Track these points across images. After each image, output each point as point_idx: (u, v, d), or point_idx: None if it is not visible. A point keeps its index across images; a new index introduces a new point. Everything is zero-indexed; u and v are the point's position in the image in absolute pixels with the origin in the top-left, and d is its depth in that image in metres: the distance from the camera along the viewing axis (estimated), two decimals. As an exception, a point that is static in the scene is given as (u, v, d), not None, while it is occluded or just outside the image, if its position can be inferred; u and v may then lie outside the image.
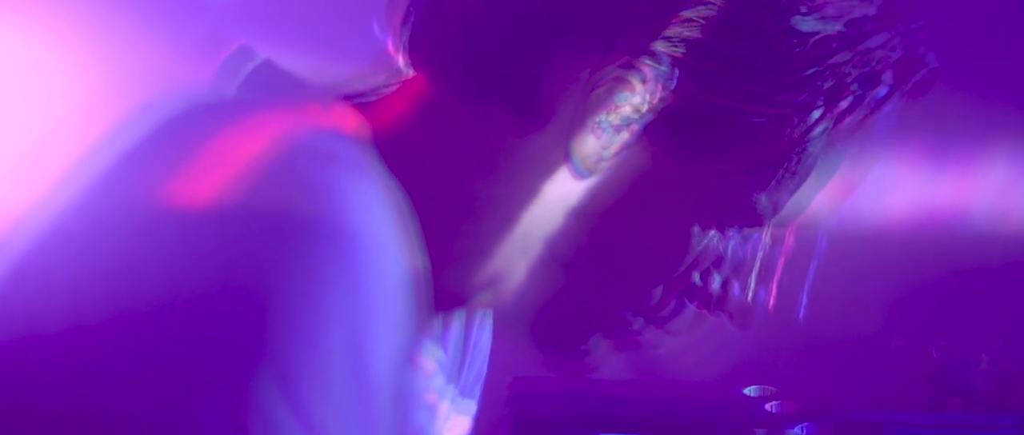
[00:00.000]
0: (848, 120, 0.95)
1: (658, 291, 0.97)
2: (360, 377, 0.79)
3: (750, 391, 2.95)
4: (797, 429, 2.92)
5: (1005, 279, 3.21)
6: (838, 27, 0.92)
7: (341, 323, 0.78)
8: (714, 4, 0.91)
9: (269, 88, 0.97)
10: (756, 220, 0.96)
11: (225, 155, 0.82)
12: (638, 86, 0.91)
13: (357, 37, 0.99)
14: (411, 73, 0.96)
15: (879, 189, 3.16)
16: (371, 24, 0.97)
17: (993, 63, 3.12)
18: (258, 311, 0.76)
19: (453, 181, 0.94)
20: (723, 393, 2.96)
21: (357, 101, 0.96)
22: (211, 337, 0.75)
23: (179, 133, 0.86)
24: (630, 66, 0.91)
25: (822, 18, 0.92)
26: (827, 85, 0.93)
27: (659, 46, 0.91)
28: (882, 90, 0.95)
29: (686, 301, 0.99)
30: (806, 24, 0.91)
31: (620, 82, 0.91)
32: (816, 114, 0.93)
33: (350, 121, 0.93)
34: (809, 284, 1.03)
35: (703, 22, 0.91)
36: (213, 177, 0.81)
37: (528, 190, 0.94)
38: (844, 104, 0.94)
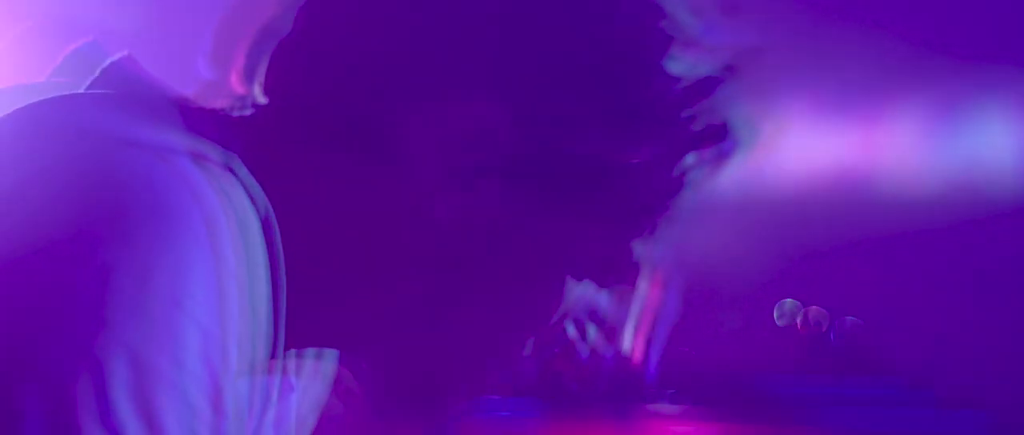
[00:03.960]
0: (713, 165, 0.94)
1: (529, 343, 0.95)
2: (215, 392, 0.77)
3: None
4: (680, 392, 2.95)
5: (881, 241, 3.25)
6: (705, 72, 0.92)
7: (199, 327, 0.76)
8: (582, 49, 0.89)
9: (121, 87, 0.92)
10: (633, 269, 0.94)
11: (76, 151, 0.79)
12: (497, 135, 0.88)
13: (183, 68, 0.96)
14: (264, 101, 0.93)
15: (768, 153, 3.17)
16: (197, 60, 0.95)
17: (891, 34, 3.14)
18: (110, 309, 0.73)
19: (315, 221, 0.90)
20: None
21: (218, 116, 0.93)
22: (54, 329, 0.72)
23: (33, 123, 0.83)
24: (489, 116, 0.89)
25: (691, 64, 0.91)
26: (698, 129, 0.92)
27: (519, 93, 0.89)
28: (731, 138, 0.94)
29: (554, 354, 0.97)
30: (677, 67, 0.90)
31: (477, 131, 0.89)
32: (689, 159, 0.92)
33: (214, 131, 0.89)
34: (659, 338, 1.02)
35: (569, 66, 0.89)
36: (65, 169, 0.78)
37: (391, 237, 0.91)
38: (712, 149, 0.93)
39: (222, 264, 0.78)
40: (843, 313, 3.06)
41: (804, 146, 3.20)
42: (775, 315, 3.07)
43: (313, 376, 1.08)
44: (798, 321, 3.06)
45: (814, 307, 3.05)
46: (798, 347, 3.07)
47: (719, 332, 3.08)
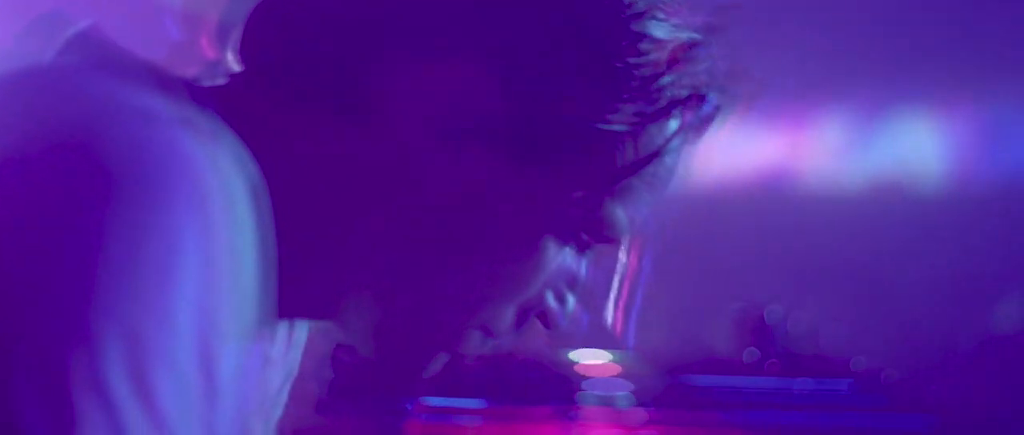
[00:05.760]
0: (696, 131, 0.93)
1: (510, 311, 0.93)
2: (207, 363, 0.75)
3: (577, 355, 2.96)
4: (624, 392, 2.94)
5: (826, 241, 3.27)
6: (689, 36, 0.91)
7: (191, 296, 0.74)
8: (565, 11, 0.88)
9: (90, 55, 0.90)
10: (613, 235, 0.92)
11: (58, 119, 0.77)
12: (474, 91, 0.87)
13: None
14: (238, 68, 0.91)
15: (700, 146, 3.17)
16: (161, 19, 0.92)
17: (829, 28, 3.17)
18: (102, 279, 0.71)
19: (293, 185, 0.89)
20: (552, 356, 2.96)
21: (194, 84, 0.91)
22: (44, 300, 0.70)
23: (8, 89, 0.81)
24: (470, 77, 0.87)
25: (675, 26, 0.90)
26: (682, 95, 0.90)
27: (501, 54, 0.87)
28: (713, 103, 0.93)
29: (534, 319, 0.95)
30: (661, 30, 0.89)
31: (459, 92, 0.87)
32: (673, 125, 0.90)
33: (193, 98, 0.87)
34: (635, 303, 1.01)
35: (551, 27, 0.87)
36: (49, 134, 0.75)
37: (371, 200, 0.89)
38: (696, 115, 0.91)
39: (213, 232, 0.76)
40: (789, 312, 3.06)
41: (745, 144, 3.21)
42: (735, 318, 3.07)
43: (288, 346, 1.07)
44: (746, 320, 3.06)
45: (764, 306, 3.06)
46: (744, 346, 3.08)
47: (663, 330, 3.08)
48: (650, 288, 3.12)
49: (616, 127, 0.89)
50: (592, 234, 0.92)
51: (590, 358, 2.97)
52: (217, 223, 0.76)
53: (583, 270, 0.95)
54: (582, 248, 0.94)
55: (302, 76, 0.89)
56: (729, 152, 3.19)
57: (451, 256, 0.90)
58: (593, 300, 0.97)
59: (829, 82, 3.20)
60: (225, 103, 0.88)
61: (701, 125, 0.93)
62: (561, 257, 0.93)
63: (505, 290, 0.92)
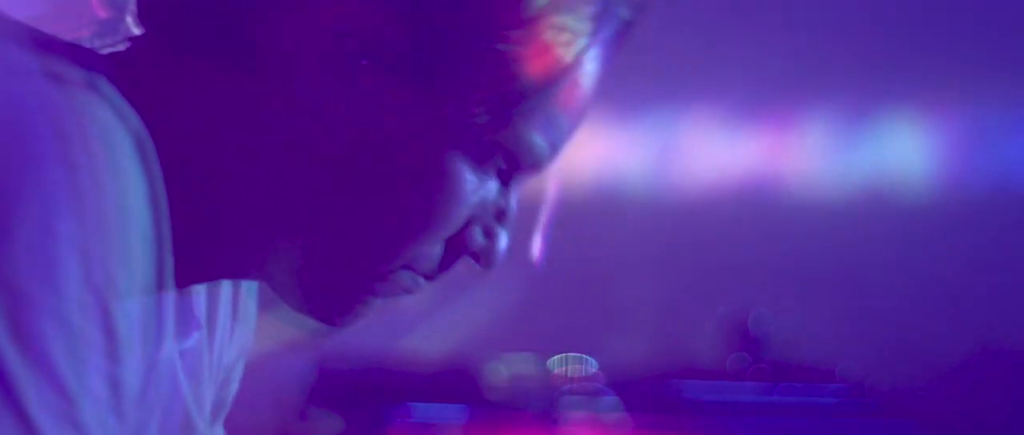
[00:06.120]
0: (612, 49, 0.90)
1: (436, 249, 0.91)
2: (103, 316, 0.74)
3: (555, 362, 2.94)
4: (605, 399, 2.92)
5: (812, 247, 3.25)
6: None
7: (75, 248, 0.73)
8: None
9: None
10: (530, 162, 0.90)
11: None
12: (364, 18, 0.85)
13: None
14: (137, 31, 0.91)
15: (683, 151, 3.16)
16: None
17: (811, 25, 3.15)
18: None
19: (201, 142, 0.88)
20: (532, 364, 2.94)
21: (84, 47, 0.90)
22: None
23: None
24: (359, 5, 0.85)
25: None
26: (587, 11, 0.87)
27: None
28: (622, 18, 0.90)
29: (464, 256, 0.93)
30: None
31: (349, 20, 0.85)
32: (581, 42, 0.87)
33: (89, 60, 0.86)
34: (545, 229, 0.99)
35: None
36: None
37: (278, 148, 0.88)
38: (608, 32, 0.89)
39: (83, 180, 0.75)
40: (774, 318, 3.04)
41: (730, 149, 3.19)
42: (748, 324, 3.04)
43: (232, 319, 1.05)
44: (731, 326, 3.04)
45: (750, 312, 3.03)
46: (729, 352, 3.06)
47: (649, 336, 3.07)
48: (635, 293, 3.10)
49: (515, 46, 0.86)
50: (508, 160, 0.90)
51: (573, 364, 2.95)
52: (91, 171, 0.75)
53: (511, 204, 0.93)
54: (503, 178, 0.91)
55: (197, 31, 0.87)
56: (714, 157, 3.18)
57: (362, 192, 0.88)
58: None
59: (814, 86, 3.19)
60: (126, 67, 0.87)
61: (611, 42, 0.90)
62: (484, 190, 0.90)
63: (423, 224, 0.89)
